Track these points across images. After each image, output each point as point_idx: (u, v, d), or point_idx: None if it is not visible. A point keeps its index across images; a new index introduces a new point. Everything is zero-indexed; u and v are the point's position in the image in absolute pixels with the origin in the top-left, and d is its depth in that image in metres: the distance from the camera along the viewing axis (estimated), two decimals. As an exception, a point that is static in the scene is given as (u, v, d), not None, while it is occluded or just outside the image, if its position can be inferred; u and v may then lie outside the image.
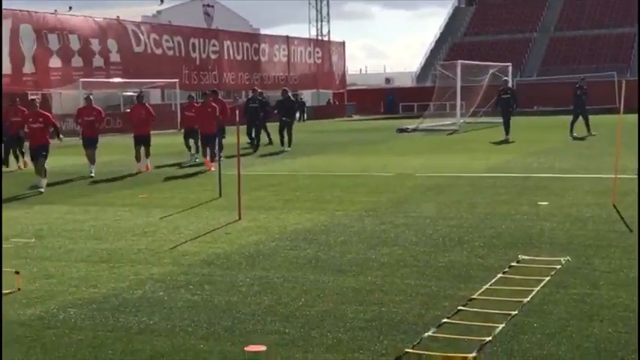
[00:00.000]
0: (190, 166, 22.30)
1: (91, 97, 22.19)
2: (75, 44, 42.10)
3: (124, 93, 48.10)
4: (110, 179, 19.14)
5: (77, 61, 42.18)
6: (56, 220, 12.69)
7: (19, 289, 8.07)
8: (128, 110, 23.43)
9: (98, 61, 43.61)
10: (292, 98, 30.01)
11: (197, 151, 23.37)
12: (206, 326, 6.73)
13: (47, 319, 7.07)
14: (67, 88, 41.11)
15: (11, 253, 10.12)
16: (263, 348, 6.10)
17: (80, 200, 15.22)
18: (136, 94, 47.37)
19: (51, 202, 14.93)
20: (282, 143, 27.48)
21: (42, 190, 16.80)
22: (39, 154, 17.33)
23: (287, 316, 6.97)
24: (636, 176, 15.25)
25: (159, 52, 48.01)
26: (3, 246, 10.54)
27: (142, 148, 21.49)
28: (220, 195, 14.94)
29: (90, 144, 20.92)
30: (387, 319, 6.77)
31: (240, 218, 12.25)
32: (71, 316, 7.14)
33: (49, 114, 18.96)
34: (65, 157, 26.55)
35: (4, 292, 7.98)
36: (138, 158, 21.21)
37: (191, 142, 23.79)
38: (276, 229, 11.41)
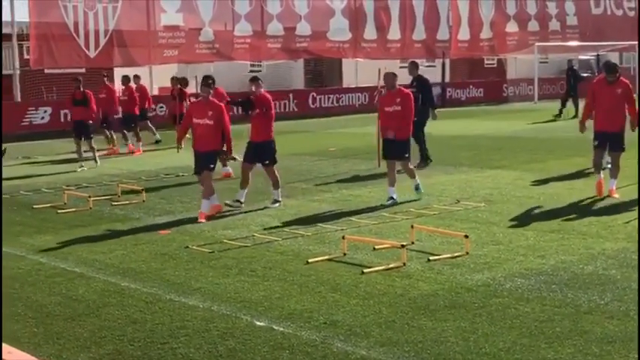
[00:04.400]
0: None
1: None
2: (532, 8, 41.91)
3: (580, 57, 46.68)
4: (560, 146, 18.52)
5: (533, 26, 41.94)
6: (506, 186, 12.64)
7: (467, 253, 8.12)
8: (594, 80, 12.69)
9: (554, 24, 42.86)
10: None
11: None
12: (664, 314, 6.06)
13: (494, 287, 6.98)
14: (522, 52, 41.16)
15: (461, 216, 10.30)
16: None
17: (531, 166, 15.00)
18: (593, 58, 45.84)
19: (501, 167, 14.95)
20: None
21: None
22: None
23: None
24: None
25: (619, 13, 45.67)
26: (454, 208, 10.78)
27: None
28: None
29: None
30: None
31: None
32: (518, 286, 6.96)
33: None
34: (518, 120, 26.53)
35: (453, 254, 8.10)
36: (597, 167, 11.68)
37: None
38: None
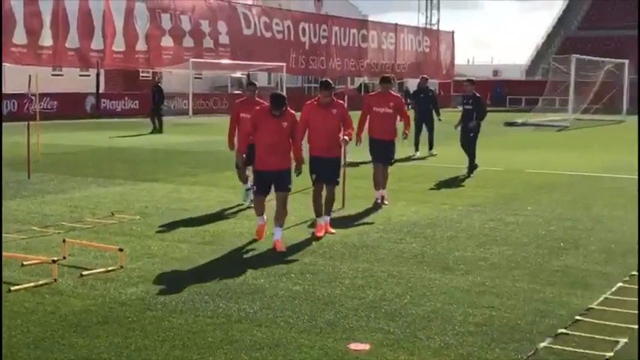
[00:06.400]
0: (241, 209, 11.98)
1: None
2: (186, 25, 42.70)
3: (232, 75, 48.58)
4: (215, 160, 19.14)
5: (188, 42, 42.78)
6: (161, 199, 12.73)
7: (121, 267, 8.03)
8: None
9: (208, 42, 44.11)
10: (431, 88, 22.93)
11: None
12: (307, 319, 6.50)
13: (148, 301, 6.97)
14: (177, 67, 41.79)
15: (116, 229, 10.16)
16: (367, 347, 5.82)
17: (186, 179, 15.27)
18: (244, 76, 47.81)
19: (156, 180, 15.03)
20: (431, 147, 21.17)
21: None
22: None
23: (392, 313, 6.66)
24: None
25: (268, 35, 48.25)
26: (108, 222, 10.60)
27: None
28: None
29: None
30: (498, 325, 6.38)
31: (343, 207, 11.98)
32: (171, 299, 7.02)
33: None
34: (173, 135, 26.91)
35: (107, 269, 7.96)
36: (259, 210, 9.78)
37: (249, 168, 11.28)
38: (380, 220, 11.11)
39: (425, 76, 23.58)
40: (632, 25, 70.21)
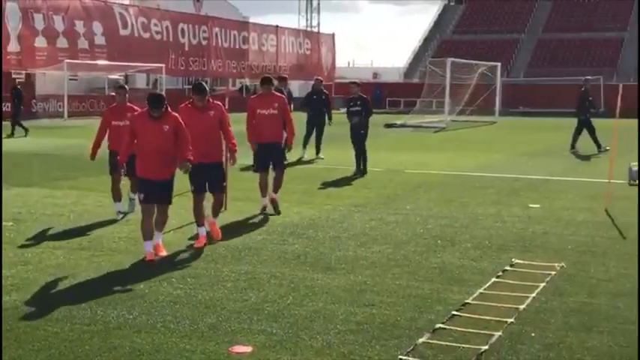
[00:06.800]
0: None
1: None
2: (59, 25, 41.42)
3: (110, 76, 47.45)
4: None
5: (62, 42, 41.52)
6: (35, 204, 12.31)
7: (-7, 276, 7.72)
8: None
9: (83, 43, 42.93)
10: (325, 90, 22.00)
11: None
12: (189, 323, 6.42)
13: (22, 309, 6.73)
14: (51, 68, 40.50)
15: (-13, 236, 9.76)
16: (249, 349, 5.80)
17: (61, 183, 14.83)
18: (121, 77, 46.78)
19: (30, 185, 14.52)
20: (318, 151, 21.00)
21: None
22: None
23: (274, 315, 6.67)
24: (626, 182, 15.12)
25: (146, 35, 47.36)
26: (-22, 229, 10.18)
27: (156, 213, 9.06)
28: (205, 184, 14.55)
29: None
30: (378, 322, 6.49)
31: (225, 209, 11.90)
32: (47, 307, 6.79)
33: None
34: (47, 138, 26.07)
35: (-23, 278, 7.64)
36: (148, 235, 8.86)
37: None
38: (262, 222, 11.11)
39: (319, 77, 23.26)
40: (504, 29, 73.05)
